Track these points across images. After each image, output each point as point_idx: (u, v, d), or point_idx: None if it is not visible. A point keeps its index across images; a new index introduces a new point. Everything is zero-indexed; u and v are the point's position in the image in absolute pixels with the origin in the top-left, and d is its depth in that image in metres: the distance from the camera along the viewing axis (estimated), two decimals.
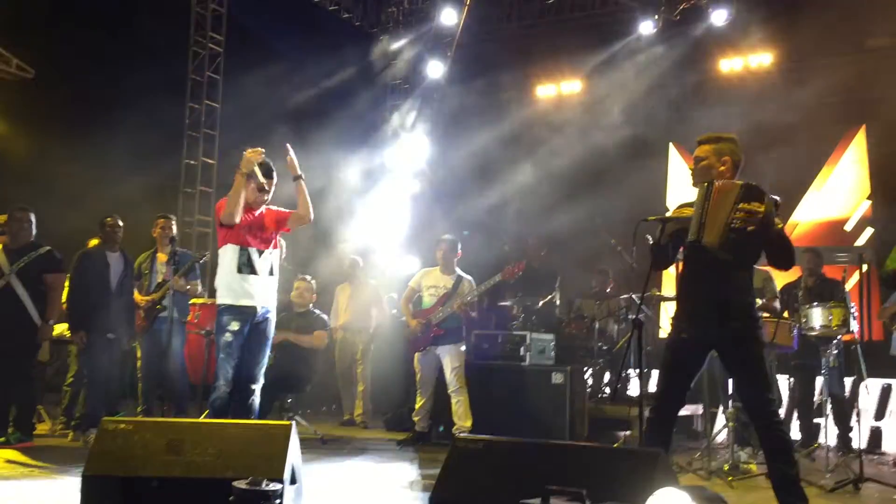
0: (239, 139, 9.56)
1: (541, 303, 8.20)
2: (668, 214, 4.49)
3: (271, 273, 5.29)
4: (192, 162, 11.23)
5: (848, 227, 10.32)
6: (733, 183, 4.11)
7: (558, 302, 8.64)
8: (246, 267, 5.15)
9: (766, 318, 6.23)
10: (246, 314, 5.15)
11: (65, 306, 6.96)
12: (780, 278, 7.20)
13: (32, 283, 6.49)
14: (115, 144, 9.53)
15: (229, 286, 5.17)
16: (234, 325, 5.11)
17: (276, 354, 6.23)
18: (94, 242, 7.30)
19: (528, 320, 8.03)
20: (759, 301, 6.35)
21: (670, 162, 11.57)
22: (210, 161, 11.40)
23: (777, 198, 4.15)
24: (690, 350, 4.29)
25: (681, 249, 4.36)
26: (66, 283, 6.89)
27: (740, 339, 4.16)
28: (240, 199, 5.05)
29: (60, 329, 7.18)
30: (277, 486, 3.15)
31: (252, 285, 5.17)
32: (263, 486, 3.10)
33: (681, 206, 4.33)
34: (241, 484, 3.09)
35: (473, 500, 3.40)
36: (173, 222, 7.45)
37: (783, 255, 4.24)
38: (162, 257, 7.30)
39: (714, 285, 4.20)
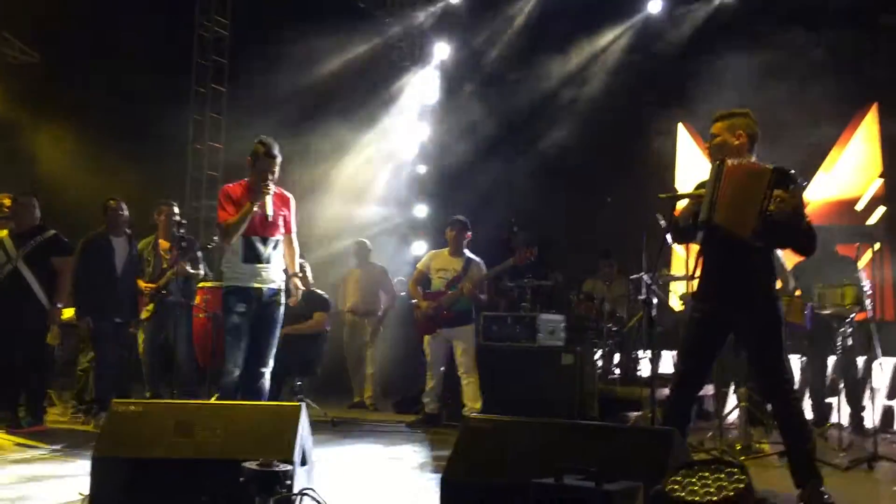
0: (245, 123, 9.52)
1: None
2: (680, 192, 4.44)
3: (276, 258, 5.34)
4: (199, 146, 11.18)
5: (859, 207, 10.21)
6: (763, 167, 4.04)
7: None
8: (251, 256, 5.23)
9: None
10: (252, 296, 5.19)
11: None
12: (792, 257, 7.12)
13: (40, 267, 6.48)
14: (120, 129, 9.48)
15: (234, 271, 5.26)
16: (241, 307, 5.17)
17: (282, 342, 6.20)
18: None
19: (535, 302, 7.99)
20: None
21: (679, 142, 11.46)
22: (217, 145, 11.35)
23: (805, 182, 4.11)
24: (709, 330, 4.24)
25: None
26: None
27: (758, 318, 4.12)
28: (243, 227, 5.15)
29: (70, 313, 7.17)
30: (288, 467, 3.12)
31: (257, 271, 5.23)
32: (274, 466, 3.07)
33: (699, 186, 4.26)
34: (251, 465, 3.07)
35: (485, 480, 3.36)
36: (175, 208, 7.40)
37: (809, 243, 4.20)
38: (164, 244, 7.26)
39: (732, 265, 4.15)
